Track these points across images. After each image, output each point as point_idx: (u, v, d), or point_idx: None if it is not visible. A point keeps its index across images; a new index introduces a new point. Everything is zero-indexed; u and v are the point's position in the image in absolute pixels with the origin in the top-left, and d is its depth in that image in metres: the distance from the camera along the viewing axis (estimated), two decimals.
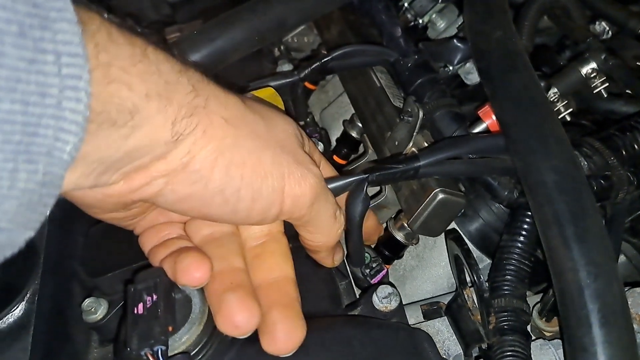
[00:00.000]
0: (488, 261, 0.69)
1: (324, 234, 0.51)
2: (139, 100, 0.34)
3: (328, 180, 0.54)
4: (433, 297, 0.69)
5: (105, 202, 0.42)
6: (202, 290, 0.50)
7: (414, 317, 0.64)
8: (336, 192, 0.55)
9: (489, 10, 0.62)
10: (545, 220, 0.48)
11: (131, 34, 0.35)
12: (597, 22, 0.85)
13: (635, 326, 0.53)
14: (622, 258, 0.73)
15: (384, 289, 0.58)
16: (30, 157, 0.27)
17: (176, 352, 0.46)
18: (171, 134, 0.38)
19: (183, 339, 0.47)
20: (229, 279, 0.45)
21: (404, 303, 0.69)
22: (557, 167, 0.49)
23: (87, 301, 0.56)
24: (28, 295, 0.56)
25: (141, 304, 0.46)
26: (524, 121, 0.52)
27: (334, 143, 0.88)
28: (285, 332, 0.45)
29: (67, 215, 0.65)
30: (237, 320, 0.43)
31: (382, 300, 0.57)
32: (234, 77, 0.75)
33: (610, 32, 0.85)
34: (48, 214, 0.31)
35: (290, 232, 0.61)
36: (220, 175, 0.41)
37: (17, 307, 0.55)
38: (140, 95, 0.34)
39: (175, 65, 0.38)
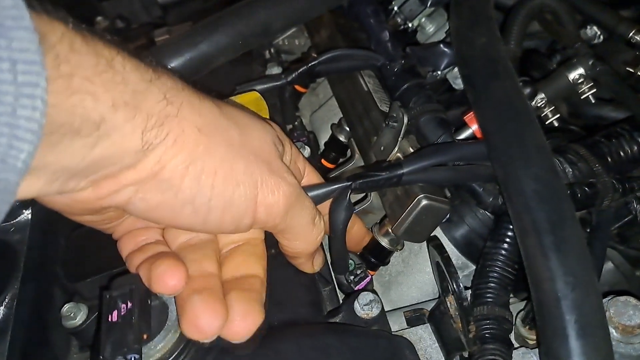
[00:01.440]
0: (473, 267, 0.69)
1: (302, 241, 0.51)
2: (105, 111, 0.34)
3: (311, 187, 0.54)
4: (418, 303, 0.69)
5: (74, 207, 0.41)
6: None
7: (397, 323, 0.64)
8: (319, 200, 0.55)
9: (474, 17, 0.62)
10: (524, 229, 0.48)
11: (98, 43, 0.35)
12: (588, 27, 0.85)
13: (618, 335, 0.52)
14: (609, 265, 0.73)
15: (366, 296, 0.58)
16: None
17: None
18: (141, 143, 0.37)
19: (158, 347, 0.46)
20: (198, 282, 0.44)
21: (389, 309, 0.69)
22: (537, 176, 0.48)
23: (66, 306, 0.56)
24: (7, 300, 0.56)
25: (115, 311, 0.46)
26: (504, 129, 0.52)
27: (322, 146, 0.88)
28: (241, 315, 0.44)
29: (49, 219, 0.65)
30: (200, 322, 0.42)
31: (364, 308, 0.57)
32: (224, 80, 0.75)
33: (601, 37, 0.84)
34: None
35: (272, 240, 0.61)
36: (190, 184, 0.41)
37: None
38: (106, 105, 0.34)
39: (145, 73, 0.38)
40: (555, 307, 0.44)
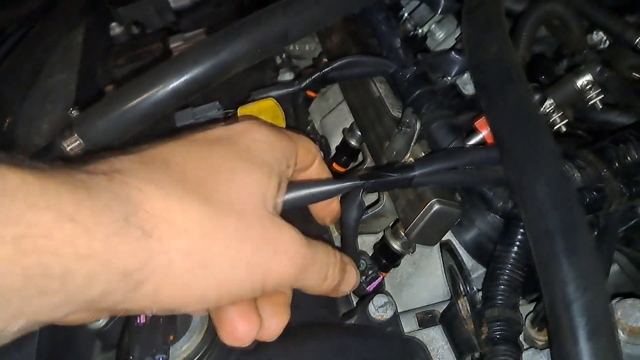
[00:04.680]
0: (483, 270, 0.70)
1: (317, 291, 0.50)
2: (70, 263, 0.32)
3: (323, 182, 0.54)
4: (429, 305, 0.70)
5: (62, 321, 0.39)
6: None
7: (409, 325, 0.65)
8: (330, 195, 0.55)
9: (486, 24, 0.63)
10: (536, 233, 0.49)
11: (60, 185, 0.33)
12: (594, 32, 0.86)
13: (625, 337, 0.54)
14: (615, 267, 0.75)
15: (380, 299, 0.59)
16: None
17: None
18: (124, 290, 0.36)
19: (184, 348, 0.48)
20: None
21: (400, 311, 0.71)
22: (549, 181, 0.50)
23: None
24: None
25: (142, 315, 0.47)
26: (517, 135, 0.53)
27: (333, 150, 0.89)
28: (270, 318, 0.46)
29: None
30: (239, 333, 0.43)
31: (378, 310, 0.59)
32: (237, 86, 0.77)
33: (607, 42, 0.86)
34: None
35: None
36: (185, 302, 0.40)
37: None
38: (70, 258, 0.32)
39: (115, 212, 0.35)
40: (566, 310, 0.46)
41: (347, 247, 0.60)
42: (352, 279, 0.53)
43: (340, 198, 0.58)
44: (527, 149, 0.53)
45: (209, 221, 0.39)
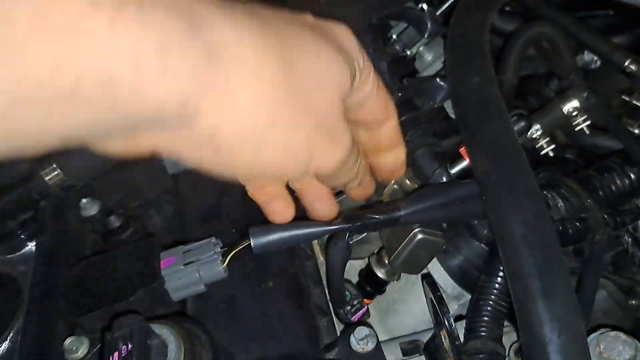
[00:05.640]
0: (469, 296, 0.70)
1: (342, 180, 0.50)
2: (116, 69, 0.29)
3: (308, 224, 0.54)
4: (415, 333, 0.70)
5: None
6: (177, 335, 0.51)
7: (393, 354, 0.65)
8: (316, 237, 0.56)
9: (468, 55, 0.63)
10: (513, 273, 0.49)
11: None
12: (585, 52, 0.85)
13: None
14: (602, 293, 0.74)
15: (361, 331, 0.59)
16: None
17: None
18: (178, 115, 0.32)
19: None
20: None
21: (386, 337, 0.71)
22: (526, 220, 0.49)
23: (69, 340, 0.57)
24: (11, 334, 0.57)
25: (116, 352, 0.47)
26: (495, 172, 0.53)
27: None
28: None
29: (53, 250, 0.66)
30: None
31: (360, 342, 0.58)
32: None
33: (598, 62, 0.85)
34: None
35: (268, 271, 0.62)
36: (239, 158, 0.37)
37: (0, 347, 0.56)
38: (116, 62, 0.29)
39: (177, 21, 0.30)
40: (542, 352, 0.45)
41: (334, 287, 0.60)
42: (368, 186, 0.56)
43: (326, 240, 0.58)
44: (504, 187, 0.52)
45: (283, 83, 0.36)
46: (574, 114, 0.71)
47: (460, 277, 0.70)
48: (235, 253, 0.59)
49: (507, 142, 0.54)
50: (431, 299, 0.61)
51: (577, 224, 0.62)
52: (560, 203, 0.63)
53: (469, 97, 0.59)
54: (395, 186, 0.68)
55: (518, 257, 0.48)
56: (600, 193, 0.64)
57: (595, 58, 0.85)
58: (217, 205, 0.74)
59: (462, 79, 0.61)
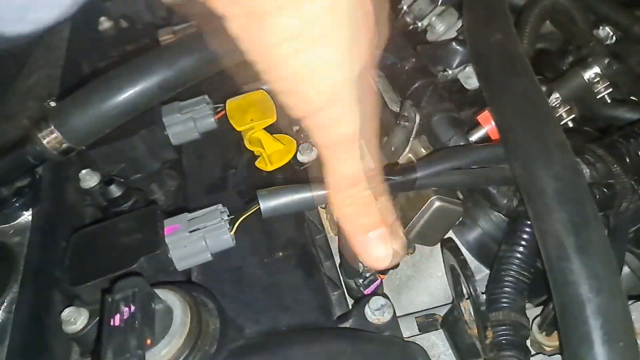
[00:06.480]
0: (487, 272, 0.67)
1: None
2: None
3: (320, 187, 0.52)
4: (429, 309, 0.67)
5: None
6: (184, 301, 0.48)
7: (409, 329, 0.62)
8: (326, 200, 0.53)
9: (489, 13, 0.60)
10: (545, 231, 0.46)
11: None
12: (600, 27, 0.83)
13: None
14: (625, 269, 0.71)
15: (377, 301, 0.55)
16: None
17: None
18: None
19: (162, 353, 0.45)
20: None
21: (399, 314, 0.67)
22: (558, 175, 0.46)
23: (67, 311, 0.54)
24: (5, 304, 0.54)
25: (118, 315, 0.44)
26: (523, 127, 0.50)
27: None
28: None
29: (49, 221, 0.63)
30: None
31: (375, 312, 0.55)
32: (227, 78, 0.73)
33: (614, 37, 0.83)
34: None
35: (279, 242, 0.59)
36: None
37: None
38: None
39: None
40: (579, 312, 0.42)
41: (347, 252, 0.57)
42: None
43: None
44: (534, 140, 0.50)
45: None
46: (596, 80, 0.68)
47: (478, 251, 0.67)
48: (243, 220, 0.56)
49: (535, 96, 0.51)
50: (451, 266, 0.58)
51: (604, 190, 0.58)
52: (586, 169, 0.59)
53: (491, 54, 0.56)
54: (410, 155, 0.65)
55: (551, 213, 0.45)
56: (627, 160, 0.61)
57: (611, 34, 0.82)
58: (223, 177, 0.71)
59: (483, 36, 0.58)
